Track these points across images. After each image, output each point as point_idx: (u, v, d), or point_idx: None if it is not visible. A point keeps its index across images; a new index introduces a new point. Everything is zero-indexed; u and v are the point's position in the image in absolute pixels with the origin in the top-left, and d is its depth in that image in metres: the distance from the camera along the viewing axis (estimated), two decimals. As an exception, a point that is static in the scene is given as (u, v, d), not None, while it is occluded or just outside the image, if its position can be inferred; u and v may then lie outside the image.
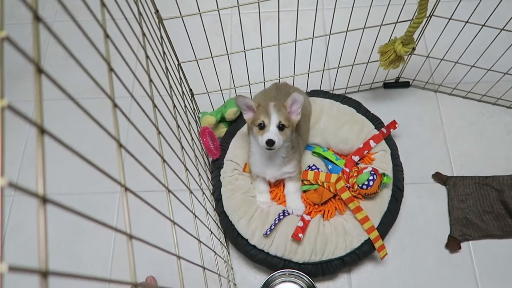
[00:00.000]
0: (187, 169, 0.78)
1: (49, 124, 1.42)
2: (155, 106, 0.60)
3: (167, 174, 0.59)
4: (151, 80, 0.61)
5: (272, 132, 0.98)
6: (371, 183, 1.07)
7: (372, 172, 1.08)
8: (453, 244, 1.17)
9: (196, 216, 0.76)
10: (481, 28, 1.06)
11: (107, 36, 0.44)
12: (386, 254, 1.09)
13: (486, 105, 1.37)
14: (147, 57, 0.63)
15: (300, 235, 1.05)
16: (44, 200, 0.25)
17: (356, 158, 1.18)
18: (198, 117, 1.31)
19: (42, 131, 0.27)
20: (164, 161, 0.59)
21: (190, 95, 1.21)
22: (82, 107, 0.34)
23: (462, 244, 1.17)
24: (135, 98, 0.53)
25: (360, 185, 1.09)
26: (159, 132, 0.60)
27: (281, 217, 1.09)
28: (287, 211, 1.12)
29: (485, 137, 1.32)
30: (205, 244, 0.76)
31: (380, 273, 1.16)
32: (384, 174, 1.11)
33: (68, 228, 1.25)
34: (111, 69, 0.43)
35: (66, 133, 1.41)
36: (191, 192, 0.76)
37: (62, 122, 1.42)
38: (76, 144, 1.38)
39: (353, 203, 1.09)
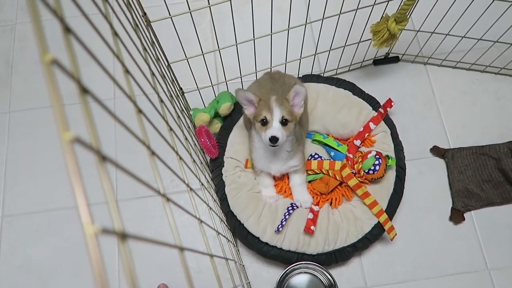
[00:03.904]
0: (201, 186, 0.74)
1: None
2: (171, 129, 0.55)
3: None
4: (164, 104, 0.56)
5: (275, 128, 0.94)
6: (377, 167, 1.06)
7: (377, 156, 1.07)
8: (456, 216, 1.19)
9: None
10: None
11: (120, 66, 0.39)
12: (396, 234, 1.10)
13: (475, 73, 1.37)
14: (153, 74, 0.58)
15: (312, 227, 1.04)
16: (124, 236, 0.24)
17: (357, 142, 1.16)
18: (190, 114, 1.25)
19: (103, 158, 0.24)
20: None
21: (180, 94, 1.15)
22: (121, 122, 0.30)
23: (465, 215, 1.20)
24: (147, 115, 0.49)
25: (366, 171, 1.08)
26: (178, 155, 0.56)
27: (291, 211, 1.07)
28: (295, 204, 1.10)
29: (477, 106, 1.33)
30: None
31: (390, 253, 1.17)
32: (388, 157, 1.10)
33: (73, 245, 1.20)
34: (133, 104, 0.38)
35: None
36: (209, 206, 0.73)
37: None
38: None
39: (360, 189, 1.08)
